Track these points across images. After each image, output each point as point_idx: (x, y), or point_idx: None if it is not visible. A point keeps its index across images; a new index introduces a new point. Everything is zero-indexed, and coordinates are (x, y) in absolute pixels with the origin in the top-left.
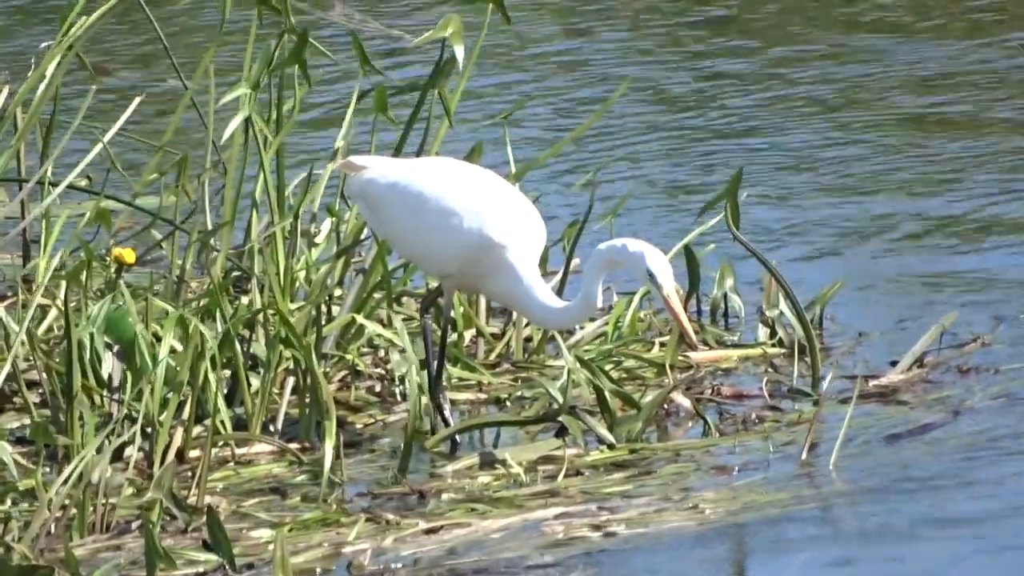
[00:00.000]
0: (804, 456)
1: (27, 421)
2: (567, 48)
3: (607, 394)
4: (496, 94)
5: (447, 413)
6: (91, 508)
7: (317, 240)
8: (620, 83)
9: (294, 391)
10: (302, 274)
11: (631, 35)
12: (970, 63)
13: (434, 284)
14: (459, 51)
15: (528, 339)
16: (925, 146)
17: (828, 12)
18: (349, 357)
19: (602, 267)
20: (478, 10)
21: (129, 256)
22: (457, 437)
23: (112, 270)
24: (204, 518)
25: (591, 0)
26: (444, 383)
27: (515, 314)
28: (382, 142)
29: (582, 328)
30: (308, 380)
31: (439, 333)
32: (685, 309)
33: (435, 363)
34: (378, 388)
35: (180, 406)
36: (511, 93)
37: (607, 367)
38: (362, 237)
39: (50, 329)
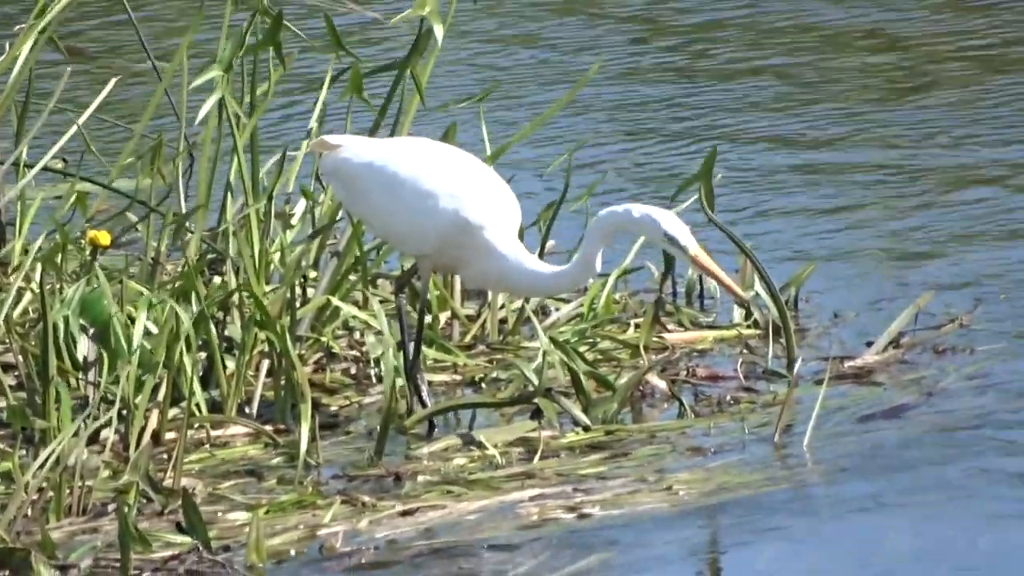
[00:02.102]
0: (778, 437)
1: (3, 404)
2: (544, 31)
3: (582, 376)
4: (474, 74)
5: (424, 394)
6: (68, 491)
7: (292, 222)
8: (592, 64)
9: (269, 373)
10: (277, 256)
11: (609, 17)
12: (948, 34)
13: (409, 265)
14: (438, 30)
15: (503, 321)
16: (901, 125)
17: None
18: (324, 339)
19: (604, 234)
20: None
21: (104, 239)
22: (433, 419)
23: (87, 253)
24: (180, 500)
25: None
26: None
27: (490, 295)
28: (358, 119)
29: (558, 309)
30: (283, 362)
31: (413, 314)
32: (661, 291)
33: (411, 344)
34: (353, 370)
35: (155, 388)
36: (488, 74)
37: (582, 348)
38: (337, 218)
39: (25, 312)
